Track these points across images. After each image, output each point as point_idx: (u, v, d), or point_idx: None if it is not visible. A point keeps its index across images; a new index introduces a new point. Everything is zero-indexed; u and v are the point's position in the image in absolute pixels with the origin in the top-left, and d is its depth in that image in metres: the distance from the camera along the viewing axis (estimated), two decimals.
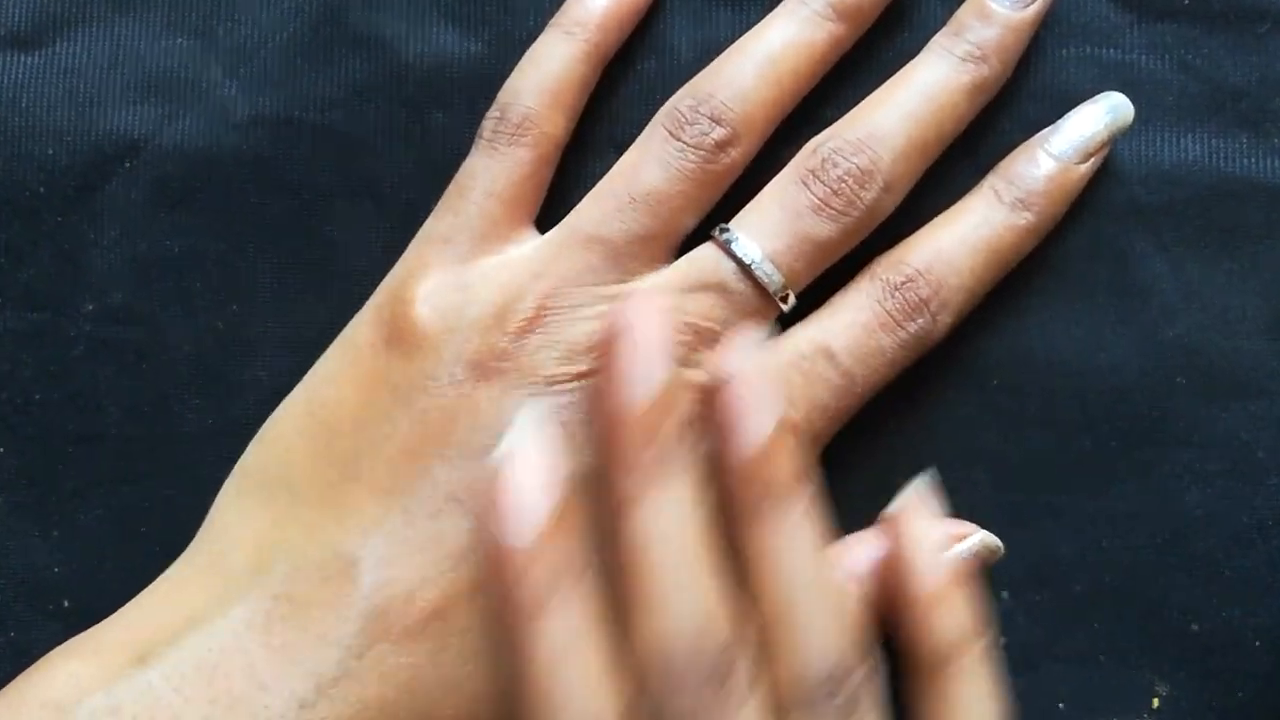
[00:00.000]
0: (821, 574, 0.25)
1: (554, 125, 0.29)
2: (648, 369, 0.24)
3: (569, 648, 0.23)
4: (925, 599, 0.25)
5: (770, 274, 0.27)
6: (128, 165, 0.31)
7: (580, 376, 0.26)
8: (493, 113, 0.29)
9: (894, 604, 0.26)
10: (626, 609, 0.24)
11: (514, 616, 0.23)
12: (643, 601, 0.24)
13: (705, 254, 0.28)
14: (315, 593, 0.26)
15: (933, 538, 0.26)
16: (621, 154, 0.29)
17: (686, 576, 0.24)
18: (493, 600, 0.24)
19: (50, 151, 0.30)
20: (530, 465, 0.23)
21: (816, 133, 0.28)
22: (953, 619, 0.25)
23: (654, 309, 0.25)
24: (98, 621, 0.27)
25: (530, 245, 0.28)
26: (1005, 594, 0.30)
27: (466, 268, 0.28)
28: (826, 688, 0.24)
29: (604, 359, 0.25)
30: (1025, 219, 0.28)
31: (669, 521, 0.24)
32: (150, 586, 0.28)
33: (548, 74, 0.29)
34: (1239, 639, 0.29)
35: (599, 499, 0.25)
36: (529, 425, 0.24)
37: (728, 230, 0.27)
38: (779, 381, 0.26)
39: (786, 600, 0.24)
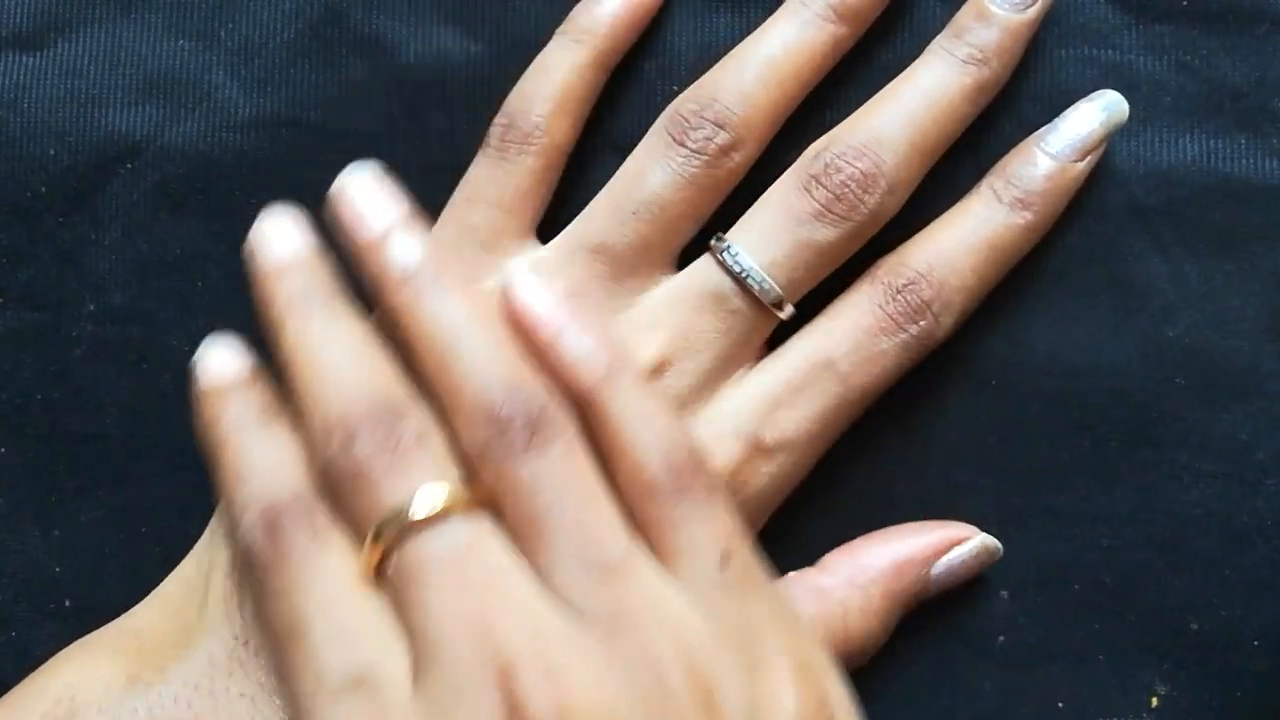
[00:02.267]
0: (468, 317, 0.24)
1: (561, 134, 0.29)
2: (293, 236, 0.26)
3: (247, 418, 0.25)
4: (549, 348, 0.24)
5: (767, 286, 0.27)
6: (129, 166, 0.31)
7: None
8: (500, 120, 0.29)
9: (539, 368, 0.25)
10: (302, 408, 0.24)
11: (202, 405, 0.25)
12: (310, 386, 0.24)
13: (703, 266, 0.28)
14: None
15: (540, 296, 0.25)
16: (621, 157, 0.29)
17: (342, 352, 0.24)
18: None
19: (52, 152, 0.31)
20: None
21: (817, 136, 0.28)
22: (583, 358, 0.24)
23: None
24: (99, 621, 0.27)
25: (533, 257, 0.28)
26: (1005, 593, 0.30)
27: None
28: (505, 415, 0.23)
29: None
30: (1024, 218, 0.28)
31: (321, 323, 0.25)
32: (152, 594, 0.28)
33: (556, 83, 0.29)
34: (1238, 638, 0.29)
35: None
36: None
37: (724, 241, 0.28)
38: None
39: (442, 349, 0.24)
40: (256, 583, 0.23)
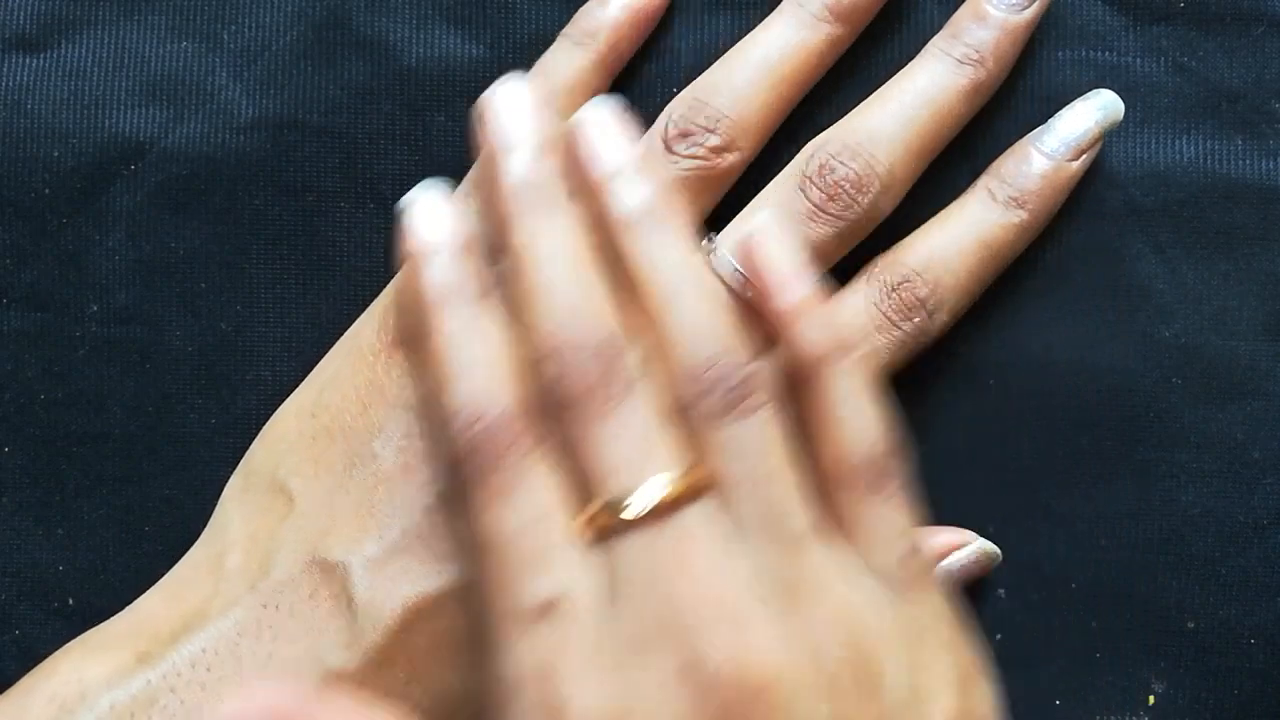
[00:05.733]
0: (695, 269, 0.25)
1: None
2: (528, 123, 0.26)
3: (461, 298, 0.25)
4: (784, 313, 0.25)
5: None
6: (132, 167, 0.31)
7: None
8: None
9: (768, 329, 0.26)
10: (519, 311, 0.25)
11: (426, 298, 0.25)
12: (533, 297, 0.24)
13: None
14: (303, 604, 0.26)
15: (785, 258, 0.26)
16: None
17: (570, 273, 0.25)
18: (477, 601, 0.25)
19: (55, 153, 0.31)
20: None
21: (814, 136, 0.28)
22: (814, 329, 0.25)
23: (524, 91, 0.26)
24: (101, 620, 0.28)
25: None
26: (1002, 592, 0.30)
27: None
28: (712, 376, 0.24)
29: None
30: (1019, 217, 0.28)
31: (554, 233, 0.25)
32: (157, 584, 0.28)
33: (557, 83, 0.29)
34: (1235, 637, 0.30)
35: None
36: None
37: (712, 243, 0.27)
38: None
39: (664, 295, 0.24)
40: (461, 484, 0.24)
